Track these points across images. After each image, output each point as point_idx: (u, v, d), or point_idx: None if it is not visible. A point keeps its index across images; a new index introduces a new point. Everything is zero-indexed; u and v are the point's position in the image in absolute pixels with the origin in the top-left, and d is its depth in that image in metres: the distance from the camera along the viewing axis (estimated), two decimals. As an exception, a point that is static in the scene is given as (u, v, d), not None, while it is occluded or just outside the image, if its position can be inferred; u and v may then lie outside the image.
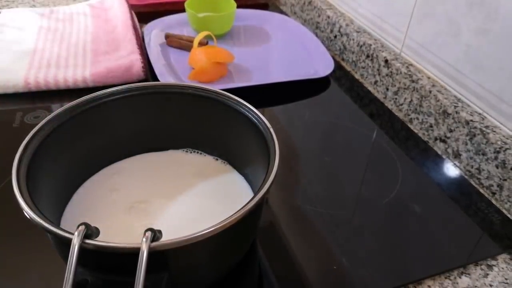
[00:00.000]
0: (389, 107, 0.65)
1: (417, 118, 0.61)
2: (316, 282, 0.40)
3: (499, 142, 0.50)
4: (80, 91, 0.62)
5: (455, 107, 0.55)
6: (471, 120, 0.53)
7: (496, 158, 0.50)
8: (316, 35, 0.84)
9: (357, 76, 0.73)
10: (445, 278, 0.41)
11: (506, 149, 0.49)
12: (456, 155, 0.56)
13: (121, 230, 0.39)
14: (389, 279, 0.41)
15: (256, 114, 0.41)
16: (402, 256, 0.43)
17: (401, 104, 0.64)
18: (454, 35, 0.56)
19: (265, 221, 0.45)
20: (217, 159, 0.47)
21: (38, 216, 0.30)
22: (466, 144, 0.54)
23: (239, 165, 0.46)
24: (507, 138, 0.50)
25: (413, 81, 0.61)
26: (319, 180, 0.52)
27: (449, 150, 0.57)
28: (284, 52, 0.77)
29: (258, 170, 0.40)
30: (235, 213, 0.31)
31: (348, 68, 0.75)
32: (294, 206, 0.47)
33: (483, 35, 0.52)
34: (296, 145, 0.57)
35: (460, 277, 0.42)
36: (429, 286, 0.41)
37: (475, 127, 0.52)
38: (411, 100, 0.62)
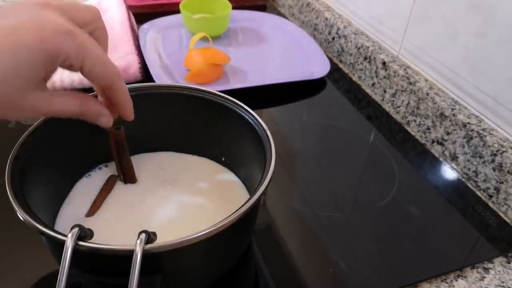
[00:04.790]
0: (387, 109, 0.65)
1: (415, 121, 0.61)
2: (312, 284, 0.40)
3: (496, 145, 0.49)
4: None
5: (452, 109, 0.55)
6: (468, 123, 0.53)
7: (493, 161, 0.50)
8: (314, 37, 0.84)
9: (354, 78, 0.73)
10: (441, 281, 0.41)
11: (503, 152, 0.49)
12: (453, 158, 0.55)
13: (115, 232, 0.38)
14: (386, 281, 0.40)
15: (253, 116, 0.40)
16: (398, 259, 0.43)
17: (399, 107, 0.64)
18: (452, 38, 0.56)
19: (262, 223, 0.45)
20: (213, 161, 0.47)
21: (32, 218, 0.29)
22: (463, 146, 0.54)
23: (235, 166, 0.46)
24: (504, 141, 0.50)
25: (410, 84, 0.61)
26: (316, 182, 0.51)
27: (446, 153, 0.57)
28: (280, 53, 0.77)
29: (254, 172, 0.40)
30: (230, 215, 0.31)
31: (345, 70, 0.75)
32: (291, 208, 0.47)
33: (481, 38, 0.52)
34: (293, 147, 0.57)
35: (456, 280, 0.42)
36: (425, 289, 0.41)
37: (472, 130, 0.52)
38: (409, 103, 0.62)
